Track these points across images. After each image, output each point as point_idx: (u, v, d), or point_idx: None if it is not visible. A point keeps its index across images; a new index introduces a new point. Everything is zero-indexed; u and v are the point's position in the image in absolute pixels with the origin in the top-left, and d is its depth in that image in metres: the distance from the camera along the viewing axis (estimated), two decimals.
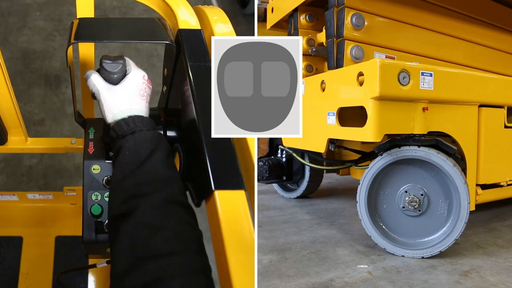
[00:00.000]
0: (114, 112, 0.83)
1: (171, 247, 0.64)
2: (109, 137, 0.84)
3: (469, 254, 1.79)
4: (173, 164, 0.79)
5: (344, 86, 1.82)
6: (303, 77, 2.22)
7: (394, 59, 2.09)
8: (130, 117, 0.82)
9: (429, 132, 1.77)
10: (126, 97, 0.84)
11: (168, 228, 0.66)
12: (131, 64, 0.90)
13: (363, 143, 2.39)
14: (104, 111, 0.85)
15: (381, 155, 1.71)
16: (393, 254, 1.75)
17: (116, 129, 0.81)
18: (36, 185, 2.67)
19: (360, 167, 2.15)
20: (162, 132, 0.95)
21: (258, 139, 3.28)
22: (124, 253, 0.64)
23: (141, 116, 0.83)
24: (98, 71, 0.91)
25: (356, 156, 2.41)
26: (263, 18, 2.99)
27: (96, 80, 0.88)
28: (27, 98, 3.14)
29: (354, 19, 1.96)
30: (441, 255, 1.77)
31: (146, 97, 0.88)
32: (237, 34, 0.87)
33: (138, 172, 0.73)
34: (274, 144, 2.81)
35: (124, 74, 0.89)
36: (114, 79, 0.89)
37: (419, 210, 1.74)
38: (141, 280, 0.59)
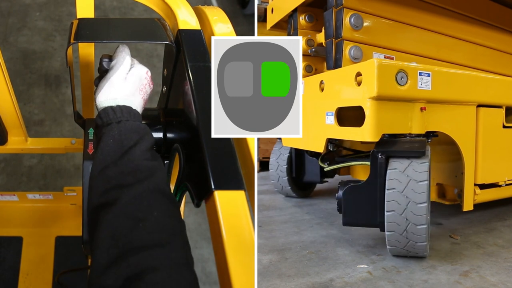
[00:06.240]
0: (108, 97, 0.82)
1: (154, 239, 0.62)
2: (94, 124, 0.83)
3: (469, 254, 1.80)
4: (157, 155, 0.78)
5: (343, 86, 1.82)
6: (302, 77, 2.23)
7: (393, 59, 2.10)
8: (118, 106, 0.81)
9: (426, 132, 1.77)
10: (126, 87, 0.84)
11: (150, 220, 0.64)
12: (134, 60, 0.90)
13: (362, 143, 2.40)
14: (101, 90, 0.82)
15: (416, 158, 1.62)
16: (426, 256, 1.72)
17: (102, 116, 0.79)
18: (36, 185, 2.67)
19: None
20: (162, 133, 0.95)
21: (258, 139, 3.28)
22: (106, 244, 0.63)
23: (130, 107, 0.82)
24: (98, 70, 0.91)
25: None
26: (263, 18, 3.00)
27: (128, 56, 0.86)
28: (27, 99, 3.14)
29: (352, 19, 1.96)
30: (441, 255, 1.77)
31: (144, 94, 0.87)
32: (237, 34, 0.87)
33: (120, 162, 0.72)
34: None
35: None
36: None
37: None
38: (124, 273, 0.58)
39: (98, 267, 0.61)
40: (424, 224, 1.55)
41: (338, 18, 1.98)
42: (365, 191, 1.69)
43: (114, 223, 0.65)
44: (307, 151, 2.66)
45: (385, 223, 1.61)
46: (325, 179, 2.80)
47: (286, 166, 2.80)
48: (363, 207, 1.70)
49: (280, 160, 2.85)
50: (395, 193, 1.59)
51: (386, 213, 1.61)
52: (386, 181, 1.62)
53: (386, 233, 1.63)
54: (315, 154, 2.64)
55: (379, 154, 1.67)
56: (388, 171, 1.63)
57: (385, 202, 1.61)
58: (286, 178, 2.81)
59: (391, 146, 1.67)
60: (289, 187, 2.85)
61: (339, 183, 1.81)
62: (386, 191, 1.61)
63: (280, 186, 2.90)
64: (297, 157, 2.77)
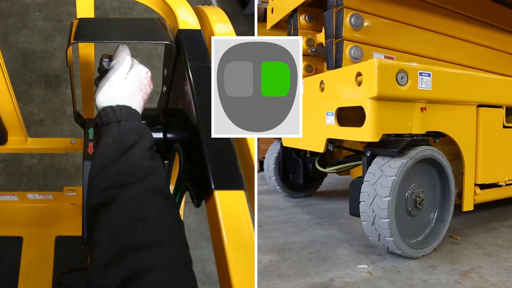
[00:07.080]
0: (108, 97, 0.82)
1: (153, 238, 0.62)
2: (94, 124, 0.83)
3: (469, 254, 1.80)
4: (156, 155, 0.78)
5: (343, 86, 1.82)
6: (302, 77, 2.23)
7: (393, 59, 2.10)
8: (118, 106, 0.81)
9: (426, 132, 1.78)
10: (126, 87, 0.84)
11: (149, 219, 0.64)
12: (134, 60, 0.90)
13: (362, 143, 2.40)
14: (101, 90, 0.82)
15: (396, 156, 1.66)
16: (411, 257, 1.72)
17: (102, 116, 0.80)
18: (36, 185, 2.66)
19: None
20: (162, 133, 0.95)
21: (258, 139, 3.28)
22: (105, 243, 0.63)
23: (130, 107, 0.82)
24: (98, 70, 0.91)
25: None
26: (263, 18, 2.99)
27: (128, 56, 0.86)
28: (27, 99, 3.14)
29: (352, 19, 1.97)
30: (441, 255, 1.77)
31: (144, 94, 0.87)
32: (237, 34, 0.87)
33: (119, 161, 0.72)
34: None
35: None
36: None
37: (420, 207, 1.76)
38: (122, 272, 0.58)
39: (96, 267, 0.61)
40: (386, 218, 1.60)
41: (338, 18, 1.98)
42: (359, 185, 1.76)
43: (113, 223, 0.65)
44: (295, 152, 2.68)
45: (360, 213, 1.72)
46: (312, 182, 2.80)
47: (273, 166, 2.82)
48: (358, 199, 1.76)
49: (270, 160, 2.86)
50: (367, 185, 1.69)
51: (360, 203, 1.72)
52: (365, 174, 1.73)
53: (362, 222, 1.73)
54: (303, 155, 2.65)
55: (367, 152, 1.80)
56: (370, 166, 1.73)
57: (360, 193, 1.71)
58: (274, 177, 2.83)
59: (377, 145, 1.72)
60: (279, 187, 2.87)
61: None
62: (363, 183, 1.71)
63: (272, 185, 2.92)
64: (284, 157, 2.78)
